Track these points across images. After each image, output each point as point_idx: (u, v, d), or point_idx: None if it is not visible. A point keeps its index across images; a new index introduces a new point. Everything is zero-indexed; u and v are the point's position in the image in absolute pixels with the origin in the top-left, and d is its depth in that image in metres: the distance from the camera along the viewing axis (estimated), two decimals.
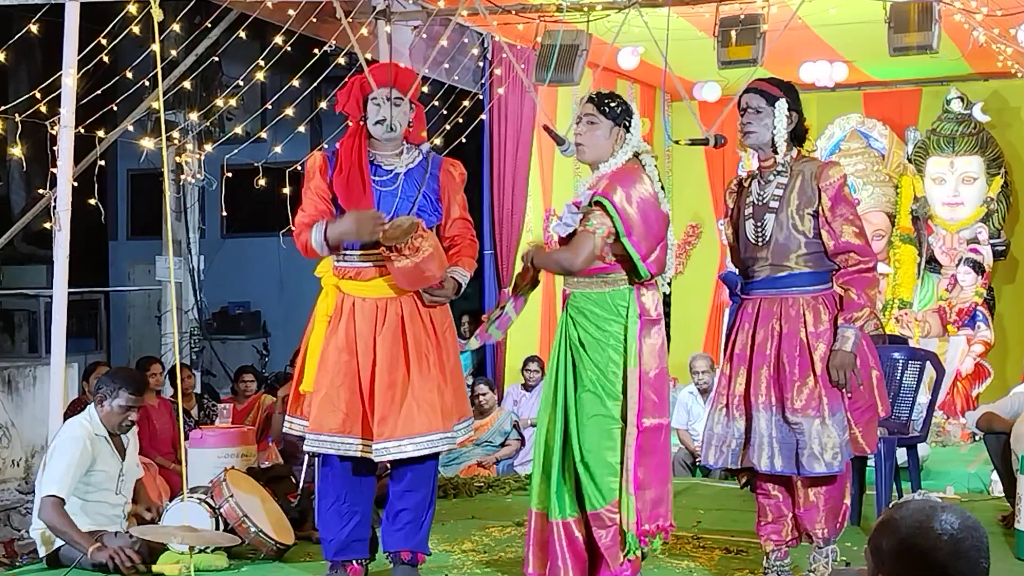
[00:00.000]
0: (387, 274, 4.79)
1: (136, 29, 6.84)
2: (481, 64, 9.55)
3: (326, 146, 5.16)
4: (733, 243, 4.99)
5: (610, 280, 4.58)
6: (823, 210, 4.69)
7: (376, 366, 4.78)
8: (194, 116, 9.19)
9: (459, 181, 5.00)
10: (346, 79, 5.08)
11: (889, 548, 2.21)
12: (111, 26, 6.92)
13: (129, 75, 7.61)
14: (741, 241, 4.90)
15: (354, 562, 4.96)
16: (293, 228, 4.98)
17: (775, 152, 4.77)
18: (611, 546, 4.52)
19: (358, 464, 4.88)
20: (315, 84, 8.75)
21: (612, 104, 4.58)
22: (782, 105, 4.73)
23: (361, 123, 4.90)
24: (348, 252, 4.87)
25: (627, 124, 4.59)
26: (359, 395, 4.80)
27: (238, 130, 8.64)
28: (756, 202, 4.81)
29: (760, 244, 4.78)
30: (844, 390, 4.67)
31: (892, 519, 2.24)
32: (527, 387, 9.61)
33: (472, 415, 5.23)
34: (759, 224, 4.78)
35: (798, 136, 4.80)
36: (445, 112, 9.13)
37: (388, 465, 4.96)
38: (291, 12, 7.63)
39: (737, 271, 5.02)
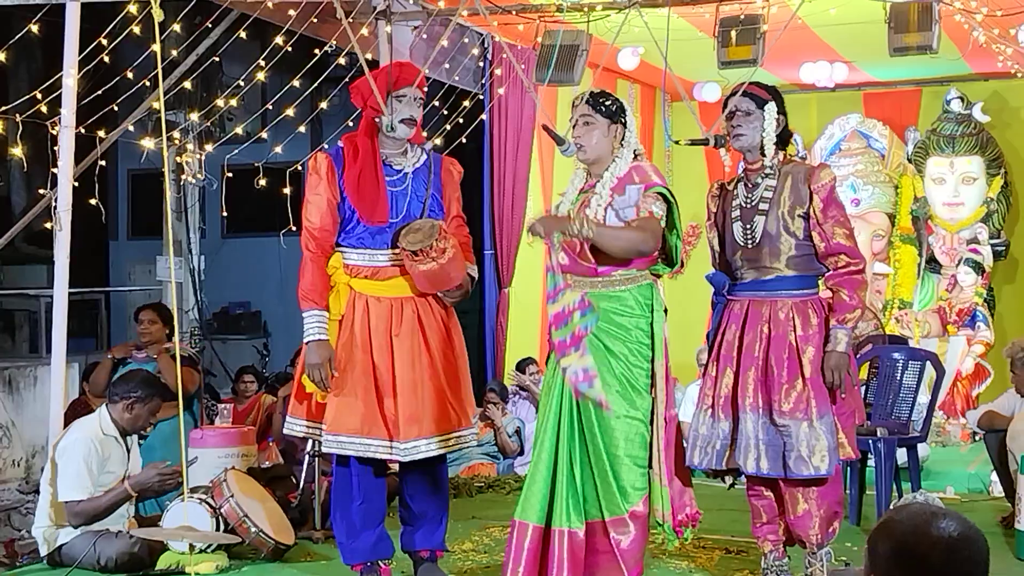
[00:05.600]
0: (406, 273, 4.76)
1: (136, 29, 6.83)
2: (481, 64, 9.54)
3: (327, 146, 5.11)
4: (717, 247, 5.00)
5: (635, 276, 4.52)
6: (815, 212, 4.70)
7: (396, 366, 4.76)
8: (194, 116, 9.17)
9: (457, 179, 5.02)
10: (368, 74, 4.87)
11: (884, 551, 2.14)
12: (111, 26, 6.91)
13: (129, 75, 7.60)
14: (728, 244, 4.91)
15: (382, 563, 4.93)
16: (297, 228, 4.96)
17: (763, 155, 4.80)
18: (629, 549, 4.42)
19: (376, 464, 4.88)
20: (316, 84, 8.75)
21: (607, 102, 4.57)
22: (771, 108, 4.77)
23: (377, 121, 4.79)
24: (366, 251, 4.82)
25: (624, 121, 4.58)
26: (377, 395, 4.77)
27: (238, 130, 8.62)
28: (744, 205, 4.82)
29: (749, 246, 4.79)
30: (839, 390, 4.67)
31: (890, 521, 2.17)
32: (524, 388, 9.56)
33: (476, 414, 5.23)
34: (748, 226, 4.79)
35: (783, 139, 4.85)
36: (445, 112, 9.12)
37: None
38: (291, 12, 7.62)
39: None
